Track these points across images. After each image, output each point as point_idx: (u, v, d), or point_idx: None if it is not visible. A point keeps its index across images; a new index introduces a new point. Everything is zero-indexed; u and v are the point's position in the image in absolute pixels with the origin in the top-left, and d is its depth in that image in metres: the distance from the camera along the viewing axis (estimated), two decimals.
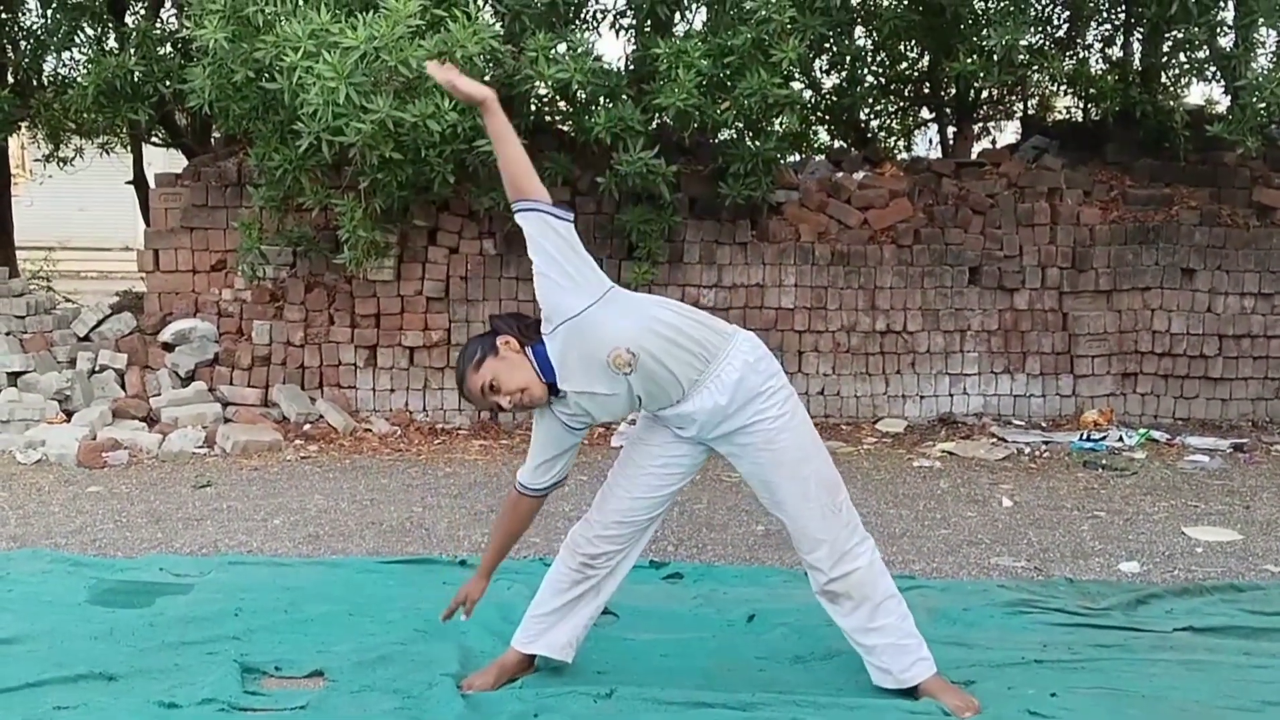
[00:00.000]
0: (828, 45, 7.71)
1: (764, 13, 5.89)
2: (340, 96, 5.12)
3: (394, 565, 4.09)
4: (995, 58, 6.64)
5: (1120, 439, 6.65)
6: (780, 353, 6.85)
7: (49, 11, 8.10)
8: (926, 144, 10.36)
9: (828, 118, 9.16)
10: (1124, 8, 7.97)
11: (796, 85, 7.05)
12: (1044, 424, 7.09)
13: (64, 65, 8.68)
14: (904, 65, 9.06)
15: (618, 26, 7.08)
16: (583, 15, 6.85)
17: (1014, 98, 9.24)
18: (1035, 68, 7.71)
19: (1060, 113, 9.16)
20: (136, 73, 6.77)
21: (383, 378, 7.01)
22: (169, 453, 6.09)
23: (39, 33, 8.30)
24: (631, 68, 6.74)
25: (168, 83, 6.79)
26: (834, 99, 8.70)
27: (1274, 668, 3.09)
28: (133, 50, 6.94)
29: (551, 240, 2.61)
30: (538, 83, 5.90)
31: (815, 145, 9.35)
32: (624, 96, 6.16)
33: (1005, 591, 3.77)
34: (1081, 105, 8.62)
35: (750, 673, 3.06)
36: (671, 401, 2.74)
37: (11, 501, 5.10)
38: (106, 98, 6.80)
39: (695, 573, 4.03)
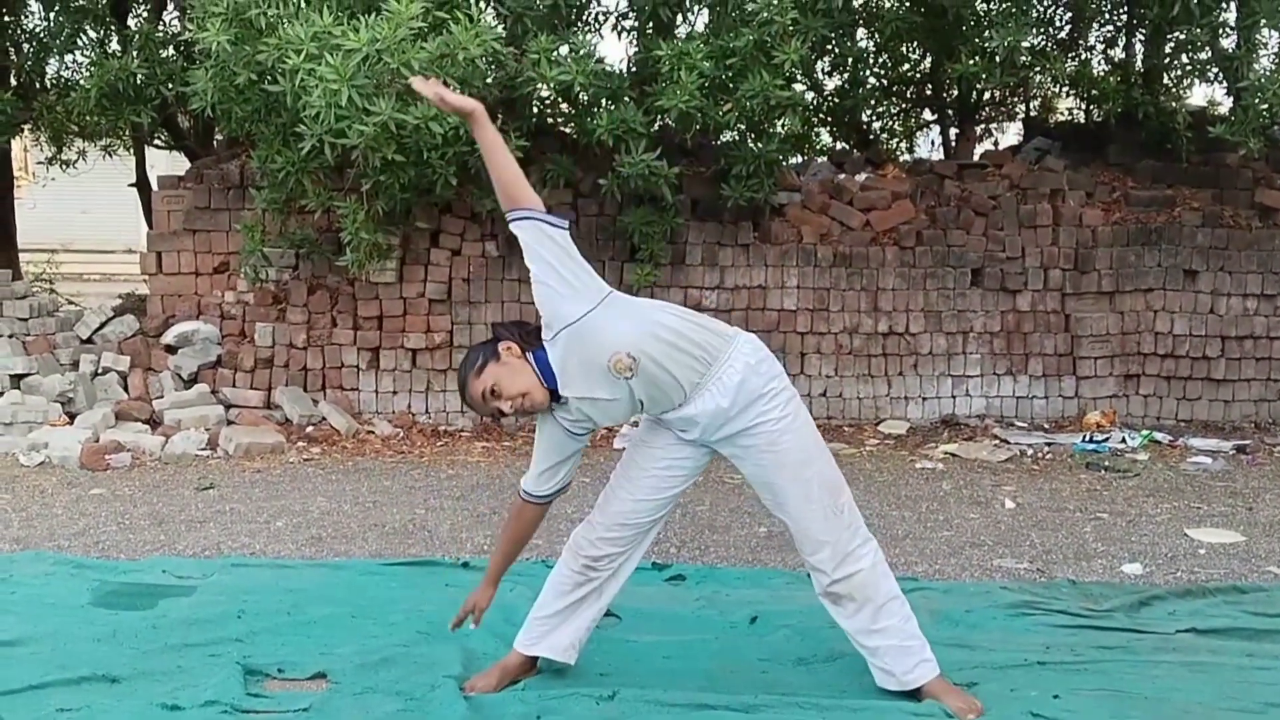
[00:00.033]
0: (830, 47, 7.72)
1: (766, 14, 5.89)
2: (342, 99, 5.12)
3: (397, 567, 4.09)
4: (997, 59, 6.63)
5: (1123, 440, 6.64)
6: (782, 354, 6.85)
7: (52, 14, 8.12)
8: (929, 145, 10.37)
9: (830, 119, 9.17)
10: (1126, 9, 7.96)
11: (798, 87, 7.06)
12: (1046, 425, 7.09)
13: (67, 68, 8.72)
14: (906, 67, 9.07)
15: (620, 28, 7.08)
16: (585, 17, 6.86)
17: (1016, 99, 9.25)
18: (1037, 69, 7.70)
19: (1062, 114, 9.17)
20: (139, 75, 6.78)
21: (385, 380, 7.01)
22: (172, 455, 6.10)
23: (42, 35, 8.32)
24: (634, 69, 6.74)
25: (170, 85, 6.80)
26: (836, 101, 8.71)
27: (1277, 669, 3.08)
28: (135, 53, 6.96)
29: (548, 248, 2.62)
30: (540, 85, 5.91)
31: (817, 147, 9.34)
32: (626, 98, 6.17)
33: (1008, 593, 3.77)
34: (1084, 106, 8.62)
35: (753, 675, 3.06)
36: (673, 405, 2.74)
37: (14, 504, 5.11)
38: (109, 100, 6.82)
39: (698, 575, 4.02)
